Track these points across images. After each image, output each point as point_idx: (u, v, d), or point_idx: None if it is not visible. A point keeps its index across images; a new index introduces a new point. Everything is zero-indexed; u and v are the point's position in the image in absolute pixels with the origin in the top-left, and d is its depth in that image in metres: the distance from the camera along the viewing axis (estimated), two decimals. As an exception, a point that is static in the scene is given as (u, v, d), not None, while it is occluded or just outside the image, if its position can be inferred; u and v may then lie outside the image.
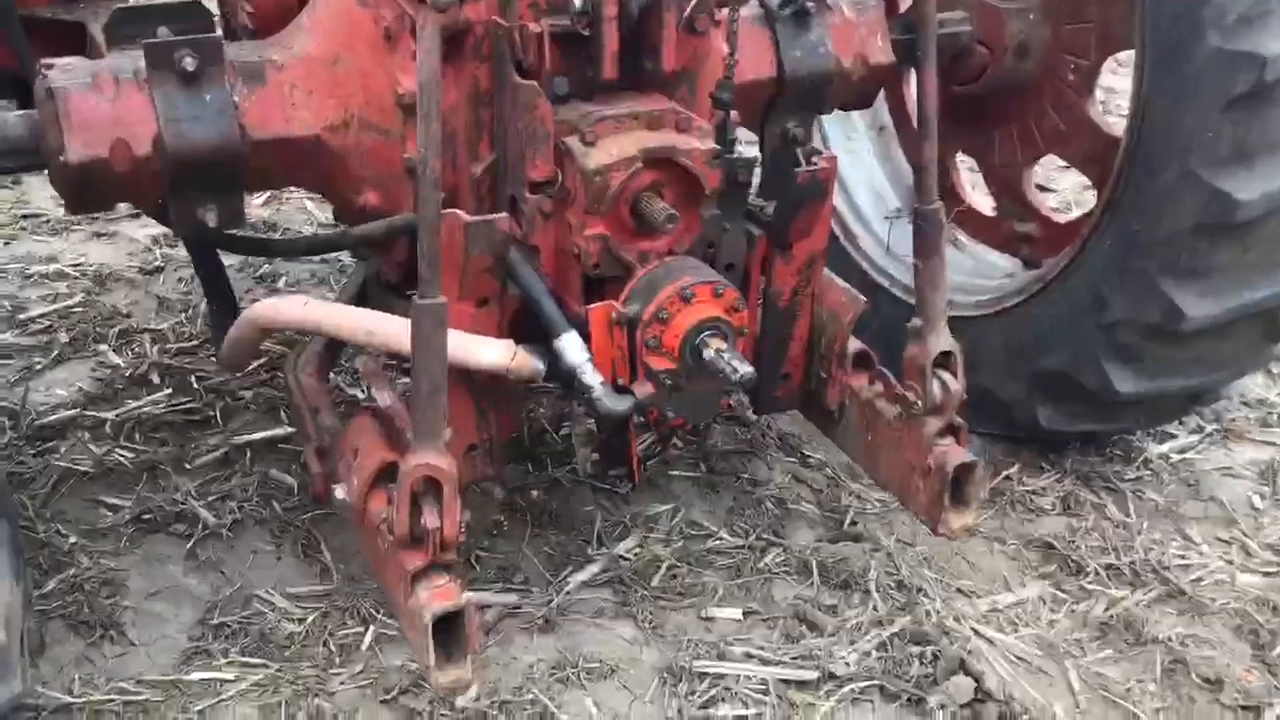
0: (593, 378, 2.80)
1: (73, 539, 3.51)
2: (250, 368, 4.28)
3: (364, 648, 3.26)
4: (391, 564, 2.64)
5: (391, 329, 2.79)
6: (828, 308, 3.26)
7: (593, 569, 3.55)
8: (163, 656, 3.21)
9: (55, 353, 4.46)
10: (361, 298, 3.42)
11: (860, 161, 4.69)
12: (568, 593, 3.46)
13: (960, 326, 3.22)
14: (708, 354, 2.78)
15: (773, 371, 3.30)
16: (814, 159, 3.04)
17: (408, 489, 2.51)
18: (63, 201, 3.07)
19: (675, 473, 3.95)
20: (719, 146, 2.90)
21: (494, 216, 2.76)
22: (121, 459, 3.88)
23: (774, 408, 3.44)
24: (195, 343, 4.51)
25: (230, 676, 3.13)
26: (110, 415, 4.09)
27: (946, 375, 3.02)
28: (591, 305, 2.82)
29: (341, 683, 3.14)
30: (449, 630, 2.56)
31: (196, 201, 3.06)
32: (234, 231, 3.22)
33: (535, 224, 2.87)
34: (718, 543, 3.68)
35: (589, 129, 2.82)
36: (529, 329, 2.92)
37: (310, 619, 3.32)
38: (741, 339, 2.89)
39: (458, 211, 2.74)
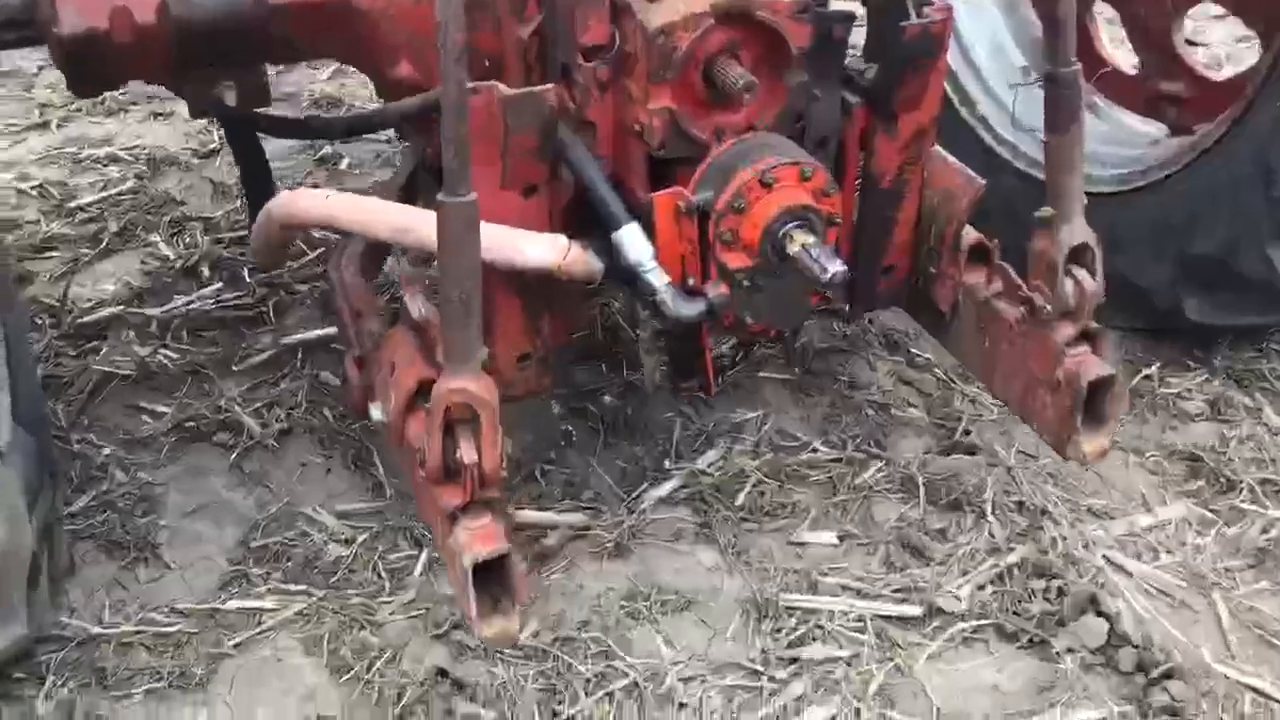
0: (657, 277, 2.39)
1: (107, 450, 3.24)
2: (307, 259, 3.96)
3: (416, 574, 2.94)
4: (428, 498, 2.29)
5: (426, 226, 2.40)
6: (939, 190, 2.79)
7: (670, 485, 3.18)
8: (200, 581, 2.93)
9: (104, 243, 4.18)
10: (410, 187, 3.03)
11: (981, 13, 4.10)
12: (642, 512, 3.10)
13: (1095, 204, 2.75)
14: (792, 249, 2.34)
15: (873, 263, 2.85)
16: (924, 10, 2.54)
17: (439, 418, 2.15)
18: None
19: (764, 374, 3.54)
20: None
21: (538, 89, 2.33)
22: (165, 360, 3.59)
23: (874, 304, 2.99)
24: (248, 232, 4.18)
25: (271, 605, 2.85)
26: (157, 312, 3.80)
27: (1082, 273, 2.54)
28: (656, 193, 2.40)
29: (391, 613, 2.84)
30: (494, 574, 2.22)
31: (211, 77, 2.71)
32: (265, 110, 2.85)
33: (590, 96, 2.44)
34: (811, 455, 3.28)
35: (657, -17, 2.36)
36: (588, 220, 2.51)
37: (359, 540, 3.01)
38: (833, 229, 2.45)
39: (495, 84, 2.32)
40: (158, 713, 2.61)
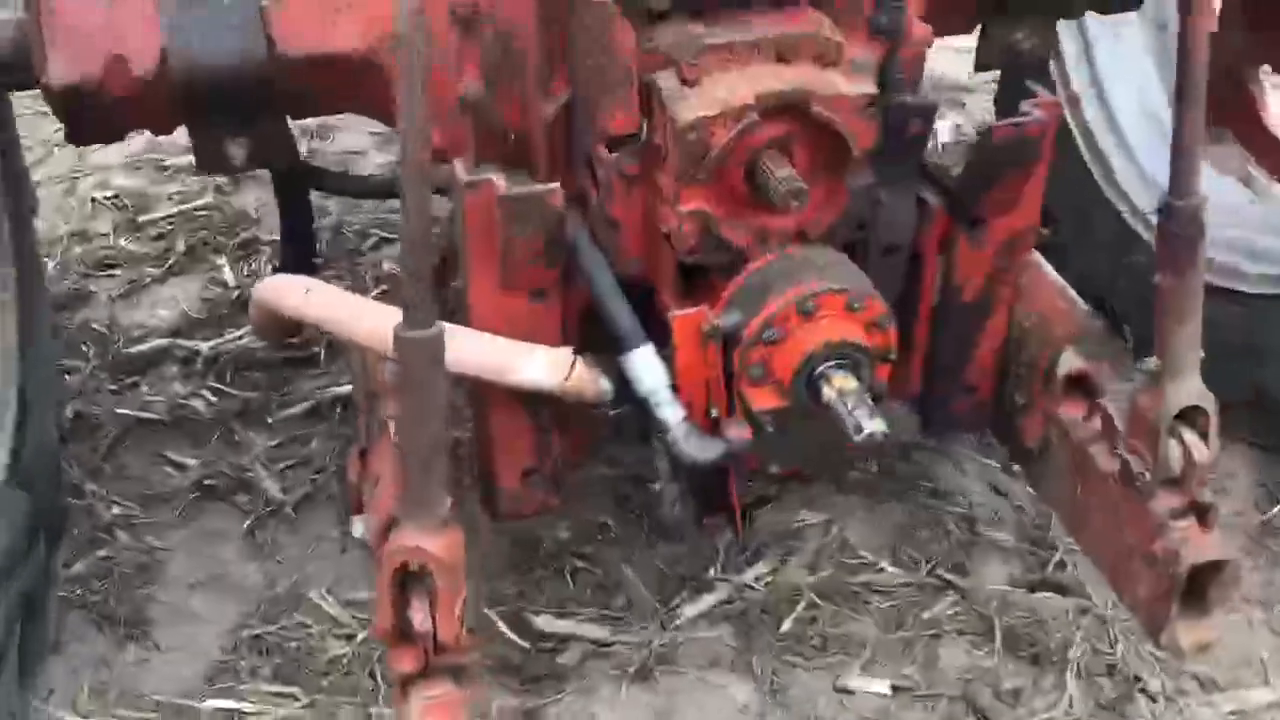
0: (671, 411, 2.05)
1: (117, 510, 3.04)
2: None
3: (418, 681, 2.66)
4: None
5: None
6: (1035, 310, 2.37)
7: (711, 599, 2.84)
8: (186, 669, 2.71)
9: (169, 264, 4.00)
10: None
11: (1128, 59, 3.60)
12: (676, 628, 2.77)
13: (1242, 305, 2.31)
14: (828, 394, 1.97)
15: (950, 383, 2.45)
16: (1027, 105, 2.13)
17: (387, 577, 1.85)
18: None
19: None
20: (872, 90, 2.03)
21: (541, 189, 2.00)
22: (201, 405, 3.38)
23: (949, 427, 2.60)
24: (318, 260, 3.95)
25: (250, 709, 2.61)
26: (205, 347, 3.59)
27: (1192, 437, 2.10)
28: (676, 311, 2.05)
29: (382, 729, 2.57)
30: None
31: (218, 132, 2.43)
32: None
33: (614, 191, 2.10)
34: (876, 575, 2.90)
35: (690, 62, 2.00)
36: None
37: (360, 637, 2.74)
38: (884, 365, 2.06)
39: (493, 179, 2.00)
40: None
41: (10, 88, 2.52)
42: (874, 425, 1.90)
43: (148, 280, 3.93)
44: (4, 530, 2.63)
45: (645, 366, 2.05)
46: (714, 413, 2.09)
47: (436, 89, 2.30)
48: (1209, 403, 2.08)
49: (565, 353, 2.10)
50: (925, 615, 2.79)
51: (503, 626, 2.76)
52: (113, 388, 3.46)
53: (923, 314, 2.37)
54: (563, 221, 2.02)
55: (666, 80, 2.01)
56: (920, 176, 2.27)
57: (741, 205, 2.09)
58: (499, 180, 1.99)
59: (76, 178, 4.42)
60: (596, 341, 2.18)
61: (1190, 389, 2.07)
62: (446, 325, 2.08)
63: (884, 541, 2.98)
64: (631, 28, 1.97)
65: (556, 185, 2.00)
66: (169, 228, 4.19)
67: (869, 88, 2.04)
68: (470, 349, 2.05)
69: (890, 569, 2.91)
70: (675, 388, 2.08)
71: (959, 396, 2.47)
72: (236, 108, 2.39)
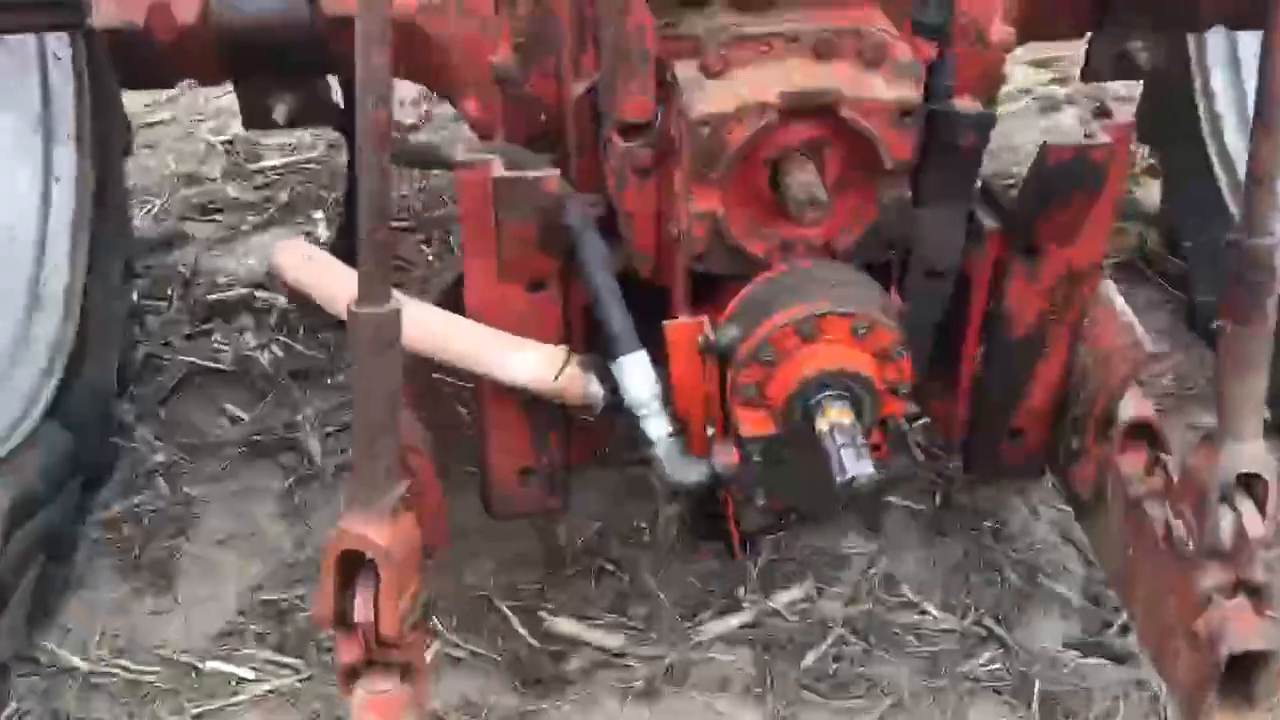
0: (656, 427, 1.91)
1: (161, 456, 3.05)
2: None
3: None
4: (338, 641, 1.92)
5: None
6: (1096, 349, 2.15)
7: (736, 620, 2.69)
8: (202, 624, 2.70)
9: (268, 214, 4.02)
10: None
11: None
12: (694, 646, 2.63)
13: None
14: (820, 425, 1.80)
15: (996, 425, 2.25)
16: (1092, 127, 1.92)
17: (329, 563, 1.77)
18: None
19: (896, 499, 2.96)
20: (911, 95, 1.84)
21: (536, 174, 1.87)
22: (267, 359, 3.38)
23: (994, 471, 2.39)
24: (409, 222, 3.93)
25: (251, 675, 2.58)
26: (281, 301, 3.59)
27: (1247, 507, 1.86)
28: (671, 321, 1.91)
29: (378, 709, 2.49)
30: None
31: (262, 88, 2.39)
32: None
33: (627, 182, 1.97)
34: (918, 617, 2.70)
35: (717, 52, 1.85)
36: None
37: (371, 615, 2.68)
38: (894, 400, 1.88)
39: (488, 157, 1.89)
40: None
41: (54, 28, 2.52)
42: (858, 469, 1.72)
43: (245, 228, 3.97)
44: (35, 465, 2.66)
45: (635, 374, 1.92)
46: (710, 431, 1.94)
47: (475, 58, 2.23)
48: (1270, 470, 1.84)
49: (557, 351, 1.98)
50: (962, 667, 2.59)
51: (514, 621, 2.67)
52: (187, 332, 3.49)
53: (969, 347, 2.17)
54: (559, 209, 1.89)
55: (685, 69, 1.87)
56: (975, 195, 2.07)
57: (763, 211, 1.94)
58: (497, 161, 1.87)
59: (198, 121, 4.48)
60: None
61: (1249, 453, 1.83)
62: (434, 309, 2.00)
63: (932, 581, 2.78)
64: (649, 8, 1.83)
65: (552, 173, 1.88)
66: (275, 178, 4.22)
67: (908, 93, 1.86)
68: (456, 336, 1.95)
69: (934, 612, 2.71)
70: (669, 400, 1.94)
71: (1006, 440, 2.26)
72: (278, 64, 2.34)
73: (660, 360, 1.94)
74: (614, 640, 2.64)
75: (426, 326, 1.96)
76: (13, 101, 3.00)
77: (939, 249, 2.03)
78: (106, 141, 3.12)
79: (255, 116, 2.45)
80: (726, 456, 1.91)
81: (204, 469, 3.05)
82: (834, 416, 1.79)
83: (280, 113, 2.41)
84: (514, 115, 2.14)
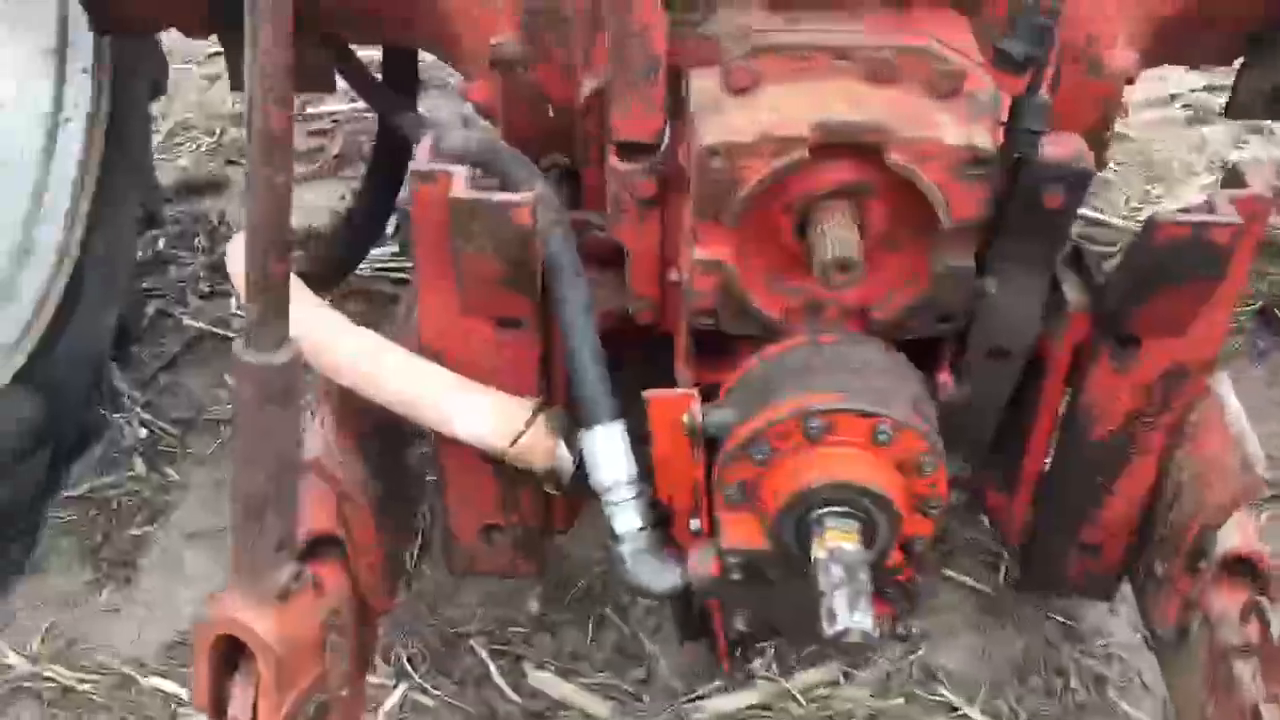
0: (625, 520, 1.56)
1: (145, 432, 2.79)
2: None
3: (382, 710, 2.30)
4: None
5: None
6: (1196, 459, 1.73)
7: (743, 699, 2.35)
8: (150, 631, 2.45)
9: (315, 166, 3.73)
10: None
11: None
12: (690, 725, 2.29)
13: None
14: (817, 551, 1.43)
15: (1064, 536, 1.85)
16: (1218, 198, 1.50)
17: (203, 650, 1.46)
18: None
19: (953, 573, 2.56)
20: (983, 143, 1.44)
21: (502, 198, 1.51)
22: (283, 329, 3.08)
23: (1061, 586, 1.98)
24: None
25: (186, 696, 2.31)
26: (313, 261, 3.29)
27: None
28: (653, 392, 1.55)
29: (323, 755, 2.21)
30: None
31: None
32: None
33: (625, 211, 1.60)
34: (954, 721, 2.32)
35: (743, 62, 1.47)
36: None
37: (335, 642, 2.39)
38: (922, 519, 1.50)
39: (450, 169, 1.54)
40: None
41: None
42: (852, 622, 1.35)
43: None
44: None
45: (606, 451, 1.57)
46: (695, 526, 1.58)
47: (476, 34, 1.88)
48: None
49: (521, 405, 1.63)
50: (998, 792, 2.21)
51: (493, 670, 2.36)
52: (204, 289, 3.22)
53: (1037, 440, 1.77)
54: (527, 244, 1.53)
55: (703, 80, 1.49)
56: (1060, 264, 1.66)
57: (785, 262, 1.56)
58: (459, 175, 1.51)
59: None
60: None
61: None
62: (369, 335, 1.66)
63: (979, 678, 2.39)
64: (663, 5, 1.45)
65: (530, 195, 1.51)
66: (330, 125, 3.92)
67: (981, 138, 1.45)
68: (399, 377, 1.62)
69: (976, 717, 2.32)
70: (648, 482, 1.58)
71: (1074, 555, 1.86)
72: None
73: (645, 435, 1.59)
74: (601, 708, 2.31)
75: (357, 355, 1.62)
76: (24, 30, 2.73)
77: (1008, 326, 1.64)
78: (130, 79, 2.85)
79: (241, 77, 2.14)
80: (704, 567, 1.55)
81: (191, 449, 2.78)
82: (836, 538, 1.41)
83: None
84: (515, 106, 1.79)
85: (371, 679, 2.34)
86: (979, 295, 1.59)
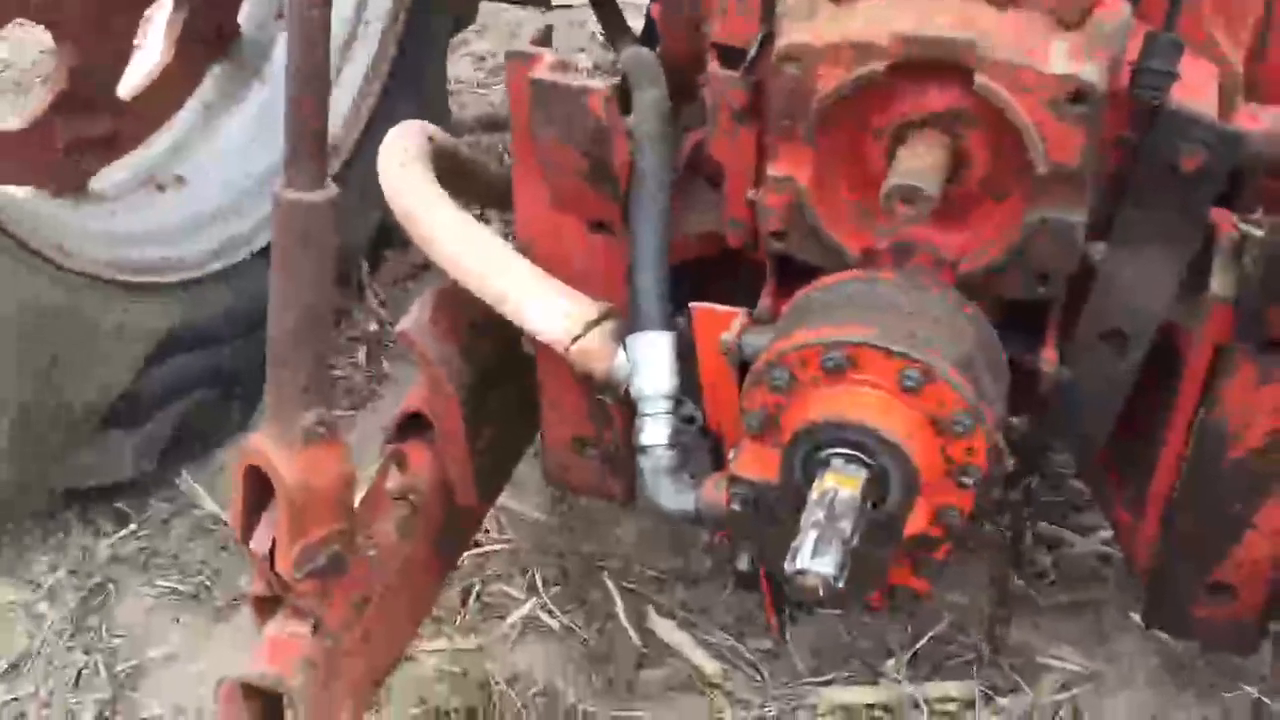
0: (654, 432, 1.50)
1: (374, 325, 2.94)
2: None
3: (507, 621, 2.34)
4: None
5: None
6: (1357, 505, 1.46)
7: (865, 695, 2.20)
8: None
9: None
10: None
11: None
12: (798, 708, 2.18)
13: None
14: (815, 490, 1.31)
15: (1193, 571, 1.61)
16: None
17: (238, 478, 1.54)
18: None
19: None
20: (1091, 75, 1.27)
21: (580, 82, 1.48)
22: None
23: (1181, 629, 1.73)
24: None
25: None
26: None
27: None
28: (699, 305, 1.47)
29: None
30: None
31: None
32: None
33: (720, 121, 1.53)
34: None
35: (854, -36, 1.38)
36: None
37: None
38: (957, 489, 1.35)
39: (539, 51, 1.52)
40: None
41: None
42: (813, 564, 1.22)
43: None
44: (224, 301, 2.61)
45: (648, 359, 1.50)
46: (732, 454, 1.49)
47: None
48: None
49: (589, 307, 1.59)
50: None
51: (619, 607, 2.34)
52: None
53: (1168, 456, 1.54)
54: (606, 138, 1.49)
55: (803, -15, 1.40)
56: (1219, 245, 1.44)
57: (876, 196, 1.44)
58: (544, 57, 1.50)
59: None
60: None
61: None
62: (469, 220, 1.66)
63: (1153, 723, 2.12)
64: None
65: (599, 86, 1.47)
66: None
67: (1090, 73, 1.28)
68: (478, 257, 1.61)
69: (1112, 778, 2.07)
70: (692, 401, 1.51)
71: (1204, 595, 1.61)
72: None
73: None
74: (714, 666, 2.24)
75: (447, 231, 1.63)
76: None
77: (1127, 305, 1.44)
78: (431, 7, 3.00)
79: None
80: (716, 494, 1.46)
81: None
82: (837, 479, 1.29)
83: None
84: (670, 27, 1.74)
85: (505, 588, 2.40)
86: (1086, 262, 1.40)
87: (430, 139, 1.80)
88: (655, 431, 1.52)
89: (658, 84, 1.58)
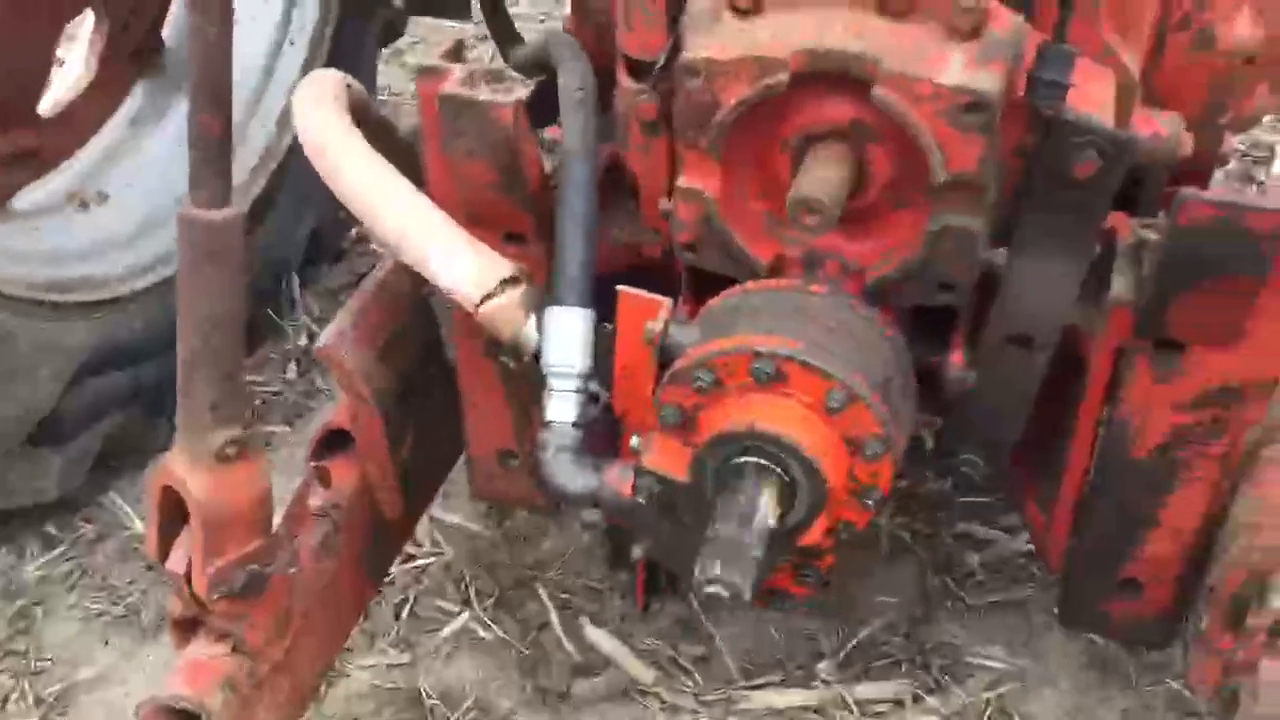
0: (560, 408, 1.50)
1: (306, 340, 2.93)
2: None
3: (440, 635, 2.34)
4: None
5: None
6: (1255, 500, 1.49)
7: (796, 698, 2.22)
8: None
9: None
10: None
11: None
12: (733, 712, 2.20)
13: None
14: (727, 495, 1.33)
15: (1100, 568, 1.64)
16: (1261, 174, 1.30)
17: (152, 499, 1.53)
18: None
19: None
20: (983, 85, 1.30)
21: (487, 96, 1.49)
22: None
23: (1095, 625, 1.76)
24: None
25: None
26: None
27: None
28: (627, 289, 1.48)
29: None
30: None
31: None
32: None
33: (631, 134, 1.54)
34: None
35: (761, -23, 1.39)
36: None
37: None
38: (857, 507, 1.37)
39: (454, 69, 1.53)
40: None
41: None
42: (725, 574, 1.24)
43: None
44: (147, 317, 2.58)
45: (562, 333, 1.48)
46: (636, 442, 1.50)
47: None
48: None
49: (502, 267, 1.53)
50: None
51: (554, 616, 2.34)
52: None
53: (1077, 456, 1.57)
54: (516, 148, 1.50)
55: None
56: (1121, 249, 1.47)
57: (776, 200, 1.46)
58: (455, 72, 1.51)
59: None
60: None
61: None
62: (389, 172, 1.60)
63: (1063, 723, 2.16)
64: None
65: (515, 97, 1.48)
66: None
67: (984, 84, 1.30)
68: (394, 209, 1.55)
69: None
70: (600, 381, 1.52)
71: (1113, 592, 1.64)
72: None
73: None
74: (645, 674, 2.25)
75: (365, 182, 1.57)
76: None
77: (1030, 310, 1.46)
78: (361, 12, 3.00)
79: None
80: (619, 482, 1.46)
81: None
82: (751, 489, 1.31)
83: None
84: (584, 31, 1.76)
85: (439, 601, 2.40)
86: (987, 268, 1.43)
87: (348, 86, 1.77)
88: (562, 408, 1.50)
89: (579, 58, 1.59)
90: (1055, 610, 1.85)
